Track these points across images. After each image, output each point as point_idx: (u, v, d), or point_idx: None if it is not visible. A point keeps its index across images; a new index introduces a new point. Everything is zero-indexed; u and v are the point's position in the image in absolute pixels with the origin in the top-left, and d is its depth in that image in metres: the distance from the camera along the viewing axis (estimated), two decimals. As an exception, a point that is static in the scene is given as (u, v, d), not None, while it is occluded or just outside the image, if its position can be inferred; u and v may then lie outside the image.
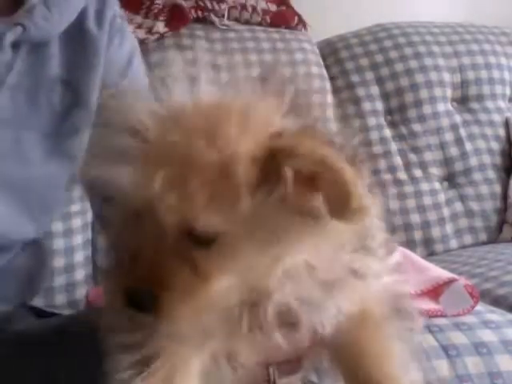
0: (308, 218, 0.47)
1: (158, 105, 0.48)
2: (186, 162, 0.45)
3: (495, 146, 1.98)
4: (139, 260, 0.48)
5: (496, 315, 1.12)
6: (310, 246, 0.50)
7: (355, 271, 0.54)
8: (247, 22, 1.99)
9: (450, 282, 1.15)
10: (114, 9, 1.00)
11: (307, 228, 0.48)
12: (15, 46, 0.86)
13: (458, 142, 1.95)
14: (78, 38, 0.94)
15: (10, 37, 0.84)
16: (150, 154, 0.46)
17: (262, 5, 2.02)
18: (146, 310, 0.47)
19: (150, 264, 0.47)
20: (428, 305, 1.11)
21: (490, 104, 2.04)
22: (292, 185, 0.45)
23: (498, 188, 1.93)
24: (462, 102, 2.04)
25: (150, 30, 1.81)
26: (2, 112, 0.87)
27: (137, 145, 0.47)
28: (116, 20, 1.00)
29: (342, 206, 0.44)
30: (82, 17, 0.94)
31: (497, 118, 2.02)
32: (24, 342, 0.75)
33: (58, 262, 1.45)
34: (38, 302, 1.10)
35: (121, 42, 1.00)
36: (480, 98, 2.04)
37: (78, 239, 1.50)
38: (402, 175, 1.89)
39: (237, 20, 1.98)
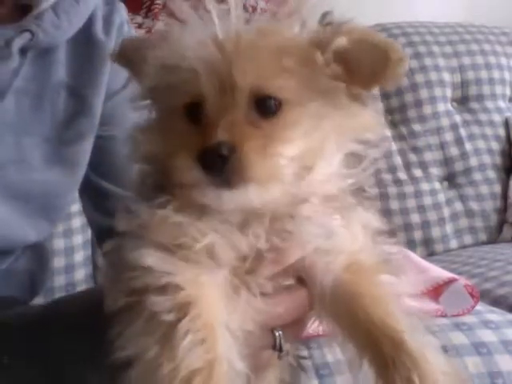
0: (352, 99, 0.57)
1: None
2: (258, 40, 0.55)
3: (495, 146, 1.98)
4: (214, 125, 0.53)
5: (496, 315, 1.12)
6: (343, 138, 0.58)
7: (361, 202, 0.60)
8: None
9: (450, 281, 1.15)
10: (122, 15, 1.00)
11: (350, 109, 0.57)
12: (22, 51, 0.85)
13: (458, 141, 1.95)
14: (85, 44, 0.93)
15: (18, 43, 0.84)
16: (226, 40, 0.55)
17: (261, 5, 2.02)
18: (227, 164, 0.52)
19: (227, 126, 0.53)
20: (428, 305, 1.12)
21: (489, 104, 2.04)
22: (341, 60, 0.55)
23: (497, 188, 1.93)
24: (462, 102, 2.04)
25: (150, 30, 1.81)
26: (6, 117, 0.86)
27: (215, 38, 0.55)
28: (124, 27, 0.99)
29: (386, 61, 0.54)
30: (89, 23, 0.94)
31: (497, 117, 2.02)
32: (10, 327, 0.74)
33: (58, 262, 1.45)
34: (38, 301, 1.10)
35: None
36: (480, 98, 2.04)
37: (78, 239, 1.50)
38: (402, 175, 1.89)
39: (237, 20, 1.98)
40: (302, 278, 0.61)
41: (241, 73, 0.53)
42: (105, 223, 1.04)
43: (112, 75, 0.96)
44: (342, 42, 0.54)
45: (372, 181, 0.62)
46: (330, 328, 0.62)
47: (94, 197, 1.05)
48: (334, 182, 0.59)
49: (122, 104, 0.99)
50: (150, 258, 0.53)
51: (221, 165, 0.52)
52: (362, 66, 0.55)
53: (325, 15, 0.57)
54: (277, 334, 0.62)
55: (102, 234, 1.07)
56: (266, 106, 0.55)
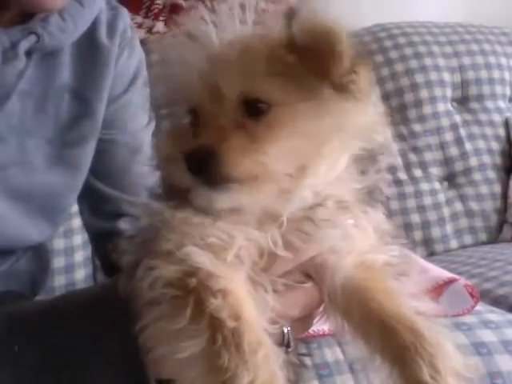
0: (341, 94, 0.57)
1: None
2: (246, 47, 0.57)
3: (495, 146, 1.98)
4: (202, 131, 0.57)
5: (496, 315, 1.12)
6: (338, 145, 0.59)
7: (372, 205, 0.62)
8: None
9: (450, 281, 1.15)
10: (125, 20, 1.01)
11: (348, 109, 0.58)
12: (28, 53, 0.86)
13: (458, 141, 1.95)
14: (89, 48, 0.94)
15: (24, 45, 0.84)
16: (218, 51, 0.58)
17: (261, 5, 2.02)
18: (208, 166, 0.54)
19: (211, 131, 0.56)
20: (428, 305, 1.11)
21: (489, 104, 2.04)
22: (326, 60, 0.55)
23: (497, 188, 1.93)
24: (462, 102, 2.04)
25: (149, 30, 1.82)
26: (10, 119, 0.87)
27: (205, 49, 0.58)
28: (127, 32, 1.00)
29: (332, 52, 0.54)
30: (93, 27, 0.94)
31: (497, 118, 2.02)
32: (16, 321, 0.74)
33: (58, 262, 1.45)
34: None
35: (130, 55, 1.00)
36: (480, 98, 2.04)
37: (78, 239, 1.50)
38: (402, 175, 1.89)
39: (237, 20, 1.98)
40: (309, 275, 0.63)
41: (226, 82, 0.57)
42: (101, 226, 1.04)
43: (114, 79, 0.96)
44: (297, 34, 0.56)
45: (386, 182, 0.64)
46: (338, 324, 0.63)
47: (92, 199, 1.05)
48: (347, 186, 0.61)
49: (123, 108, 1.00)
50: (196, 255, 0.55)
51: (201, 166, 0.55)
52: (314, 56, 0.56)
53: (290, 14, 0.59)
54: (285, 330, 0.63)
55: (98, 236, 1.07)
56: (254, 109, 0.57)
